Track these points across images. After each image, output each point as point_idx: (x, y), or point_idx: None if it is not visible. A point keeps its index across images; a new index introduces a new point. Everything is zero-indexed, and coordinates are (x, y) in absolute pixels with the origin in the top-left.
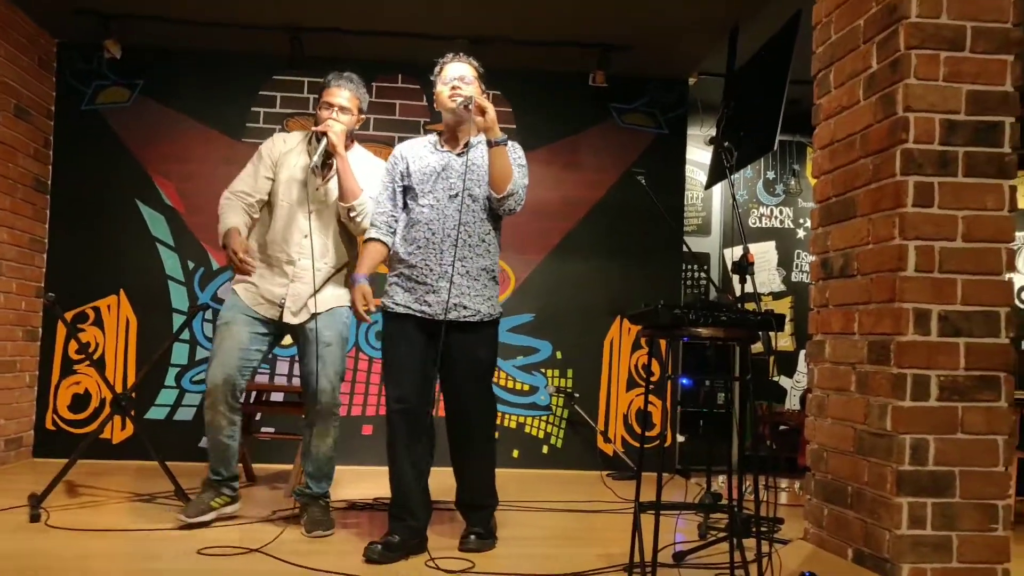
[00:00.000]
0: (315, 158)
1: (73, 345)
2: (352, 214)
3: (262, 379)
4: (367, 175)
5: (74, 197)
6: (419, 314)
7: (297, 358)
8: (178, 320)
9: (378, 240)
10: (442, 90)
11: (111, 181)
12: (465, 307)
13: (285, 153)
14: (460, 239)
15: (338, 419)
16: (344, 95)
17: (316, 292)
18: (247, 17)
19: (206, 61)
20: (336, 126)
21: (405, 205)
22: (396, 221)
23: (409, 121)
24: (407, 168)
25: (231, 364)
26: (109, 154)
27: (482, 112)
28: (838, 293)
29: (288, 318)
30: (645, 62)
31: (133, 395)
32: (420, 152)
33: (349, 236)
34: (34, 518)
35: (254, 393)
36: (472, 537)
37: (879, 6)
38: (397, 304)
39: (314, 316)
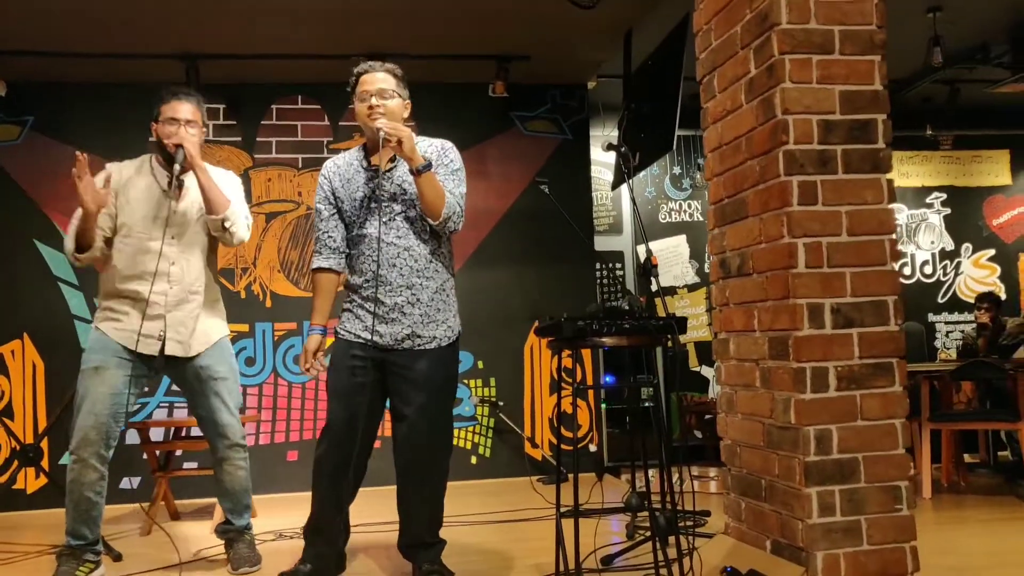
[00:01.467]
0: (175, 169)
1: None
2: (227, 224)
3: (180, 413)
4: (226, 184)
5: None
6: (368, 343)
7: (187, 398)
8: None
9: (327, 270)
10: (360, 108)
11: (6, 222)
12: (419, 336)
13: (124, 183)
14: (407, 266)
15: (246, 451)
16: (187, 108)
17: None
18: (139, 46)
19: (98, 93)
20: (191, 138)
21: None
22: (342, 241)
23: (311, 142)
24: (334, 192)
25: (104, 411)
26: (1, 194)
27: (398, 143)
28: (737, 292)
29: (174, 350)
30: (544, 70)
31: (43, 443)
32: (346, 173)
33: (215, 259)
34: None
35: (172, 429)
36: None
37: (752, 13)
38: (347, 331)
39: (200, 355)
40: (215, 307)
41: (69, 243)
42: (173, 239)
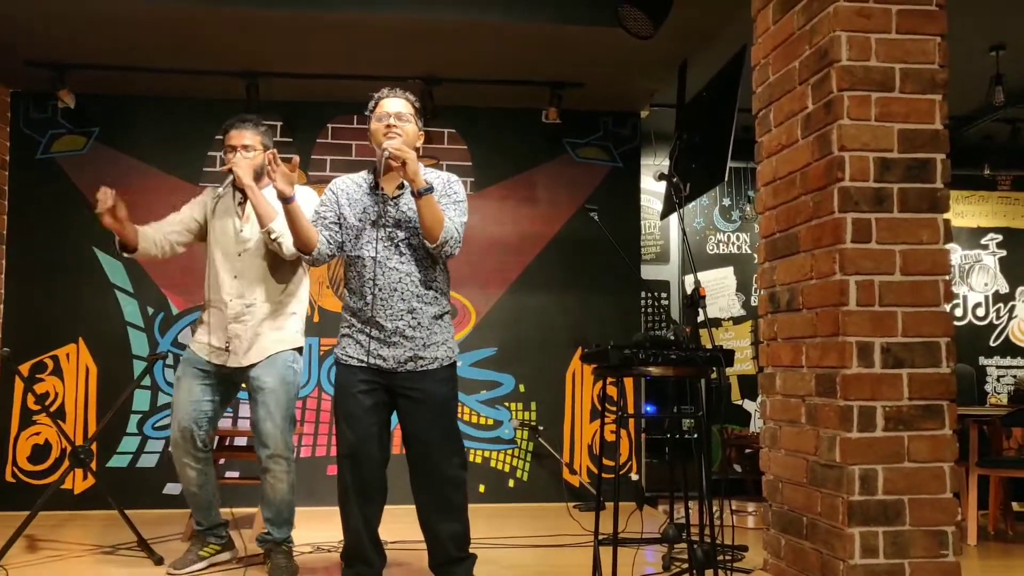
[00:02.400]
0: (220, 189)
1: (32, 396)
2: (272, 236)
3: (225, 424)
4: (299, 199)
5: (31, 246)
6: (374, 367)
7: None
8: (139, 366)
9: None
10: (376, 128)
11: (68, 229)
12: (421, 358)
13: (214, 204)
14: (407, 290)
15: (291, 463)
16: (246, 135)
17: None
18: (202, 63)
19: (161, 107)
20: (241, 161)
21: (341, 245)
22: (334, 227)
23: (365, 162)
24: (340, 210)
25: (185, 417)
26: (66, 202)
27: (402, 164)
28: (785, 327)
29: (232, 361)
30: (597, 97)
31: (93, 446)
32: (354, 193)
33: (289, 275)
34: None
35: (217, 437)
36: None
37: (812, 49)
38: (349, 356)
39: (253, 365)
40: (283, 322)
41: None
42: (239, 255)
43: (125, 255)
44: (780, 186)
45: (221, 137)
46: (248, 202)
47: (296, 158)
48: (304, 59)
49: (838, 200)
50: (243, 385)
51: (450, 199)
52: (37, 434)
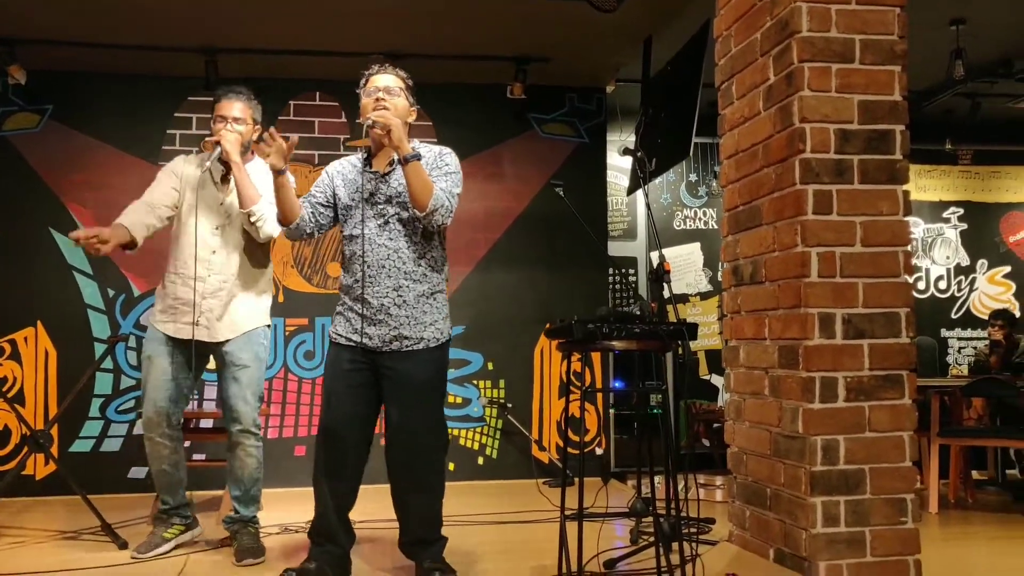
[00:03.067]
0: (207, 163)
1: None
2: (252, 219)
3: (191, 406)
4: (267, 183)
5: None
6: (358, 345)
7: (217, 382)
8: (99, 348)
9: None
10: (366, 103)
11: (23, 210)
12: (406, 337)
13: (183, 174)
14: (394, 267)
15: (260, 440)
16: (237, 106)
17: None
18: (160, 39)
19: (118, 84)
20: (229, 135)
21: (336, 220)
22: (320, 208)
23: (328, 139)
24: (334, 191)
25: (161, 396)
26: (20, 182)
27: (387, 131)
28: (749, 299)
29: (201, 335)
30: (563, 72)
31: (53, 430)
32: (349, 174)
33: (261, 254)
34: None
35: (182, 420)
36: (436, 574)
37: (773, 20)
38: (339, 335)
39: (228, 341)
40: (257, 299)
41: None
42: (217, 229)
43: (129, 253)
44: (743, 159)
45: (213, 105)
46: (228, 175)
47: (295, 137)
48: (265, 35)
49: (799, 172)
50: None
51: (441, 171)
52: None
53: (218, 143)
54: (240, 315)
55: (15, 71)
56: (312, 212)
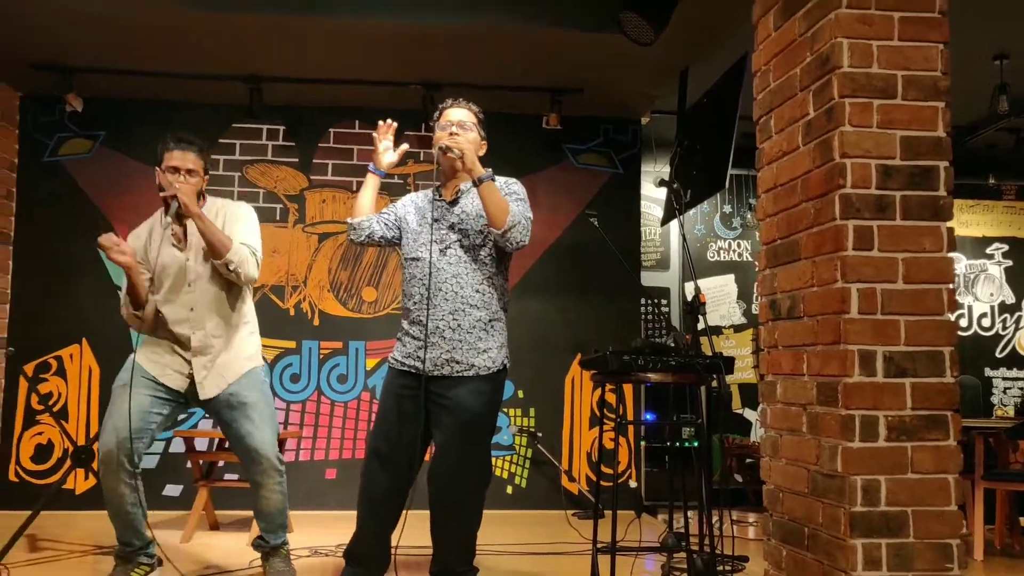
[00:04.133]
0: (166, 218)
1: (35, 396)
2: (231, 267)
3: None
4: (232, 222)
5: (37, 248)
6: (412, 369)
7: (222, 430)
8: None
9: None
10: (439, 136)
11: (73, 231)
12: (457, 361)
13: (144, 245)
14: (452, 291)
15: (283, 475)
16: (190, 158)
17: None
18: (206, 67)
19: (166, 111)
20: (186, 187)
21: (390, 240)
22: (384, 218)
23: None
24: (402, 216)
25: (124, 428)
26: (71, 204)
27: (461, 157)
28: (786, 335)
29: (204, 393)
30: (598, 104)
31: (94, 446)
32: (420, 203)
33: (233, 297)
34: None
35: (216, 440)
36: None
37: (813, 56)
38: (395, 359)
39: (230, 385)
40: (245, 341)
41: (125, 308)
42: (189, 286)
43: (137, 315)
44: (781, 193)
45: (160, 154)
46: (182, 227)
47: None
48: (305, 64)
49: (839, 207)
50: (199, 406)
51: (512, 197)
52: (40, 434)
53: (174, 197)
54: (237, 361)
55: (72, 99)
56: (378, 219)
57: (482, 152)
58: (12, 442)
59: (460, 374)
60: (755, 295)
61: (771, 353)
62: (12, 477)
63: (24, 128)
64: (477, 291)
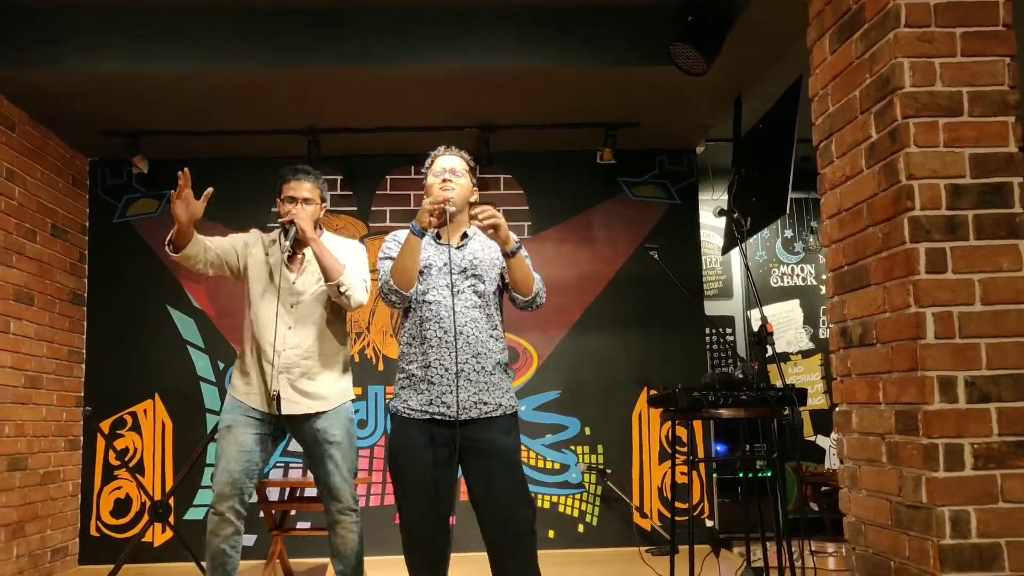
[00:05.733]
0: (286, 242)
1: (112, 452)
2: (342, 289)
3: (296, 474)
4: (343, 250)
5: (109, 307)
6: (437, 416)
7: (305, 459)
8: (211, 420)
9: None
10: (432, 182)
11: (143, 289)
12: (485, 403)
13: (252, 249)
14: (472, 334)
15: (359, 515)
16: (306, 187)
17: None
18: (265, 123)
19: (228, 167)
20: (303, 213)
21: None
22: None
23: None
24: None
25: (238, 469)
26: (141, 263)
27: (495, 229)
28: (859, 362)
29: (289, 409)
30: (652, 135)
31: (171, 500)
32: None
33: (338, 330)
34: None
35: (288, 490)
36: None
37: (873, 77)
38: (412, 409)
39: (317, 415)
40: (337, 375)
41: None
42: (292, 307)
43: (171, 253)
44: (846, 218)
45: (279, 186)
46: (299, 254)
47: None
48: (362, 114)
49: (909, 230)
50: (291, 435)
51: (528, 261)
52: (119, 488)
53: (292, 222)
54: (330, 390)
55: (139, 161)
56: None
57: (474, 198)
58: (92, 498)
59: (488, 415)
60: (822, 320)
61: (844, 382)
62: (94, 532)
63: (94, 191)
64: (491, 335)
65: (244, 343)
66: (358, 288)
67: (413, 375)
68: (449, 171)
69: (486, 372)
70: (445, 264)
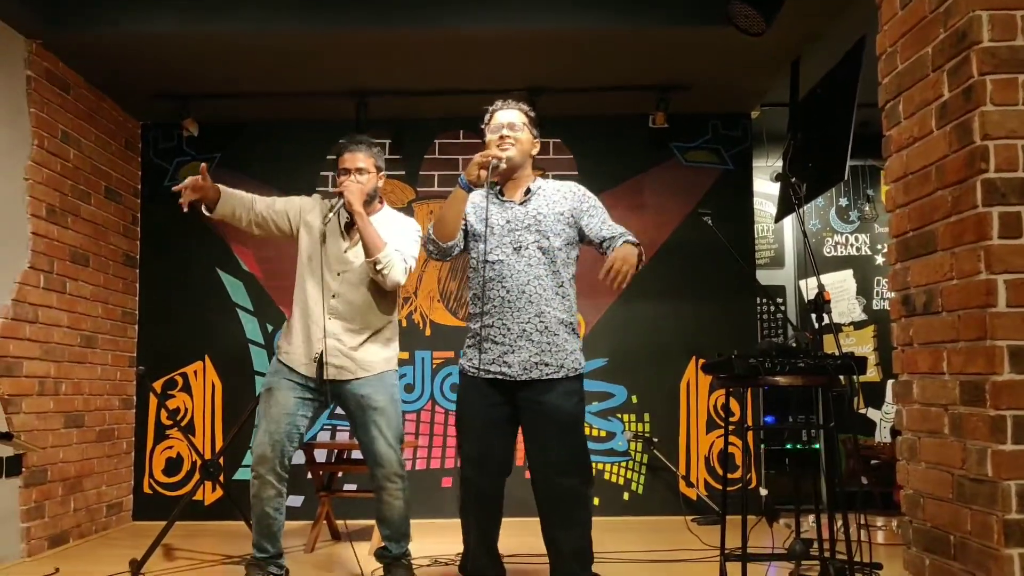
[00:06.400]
0: (330, 214)
1: (164, 412)
2: (378, 267)
3: (342, 436)
4: (396, 232)
5: (161, 270)
6: (499, 376)
7: (350, 425)
8: (260, 382)
9: None
10: (491, 139)
11: (194, 252)
12: (547, 364)
13: (308, 215)
14: (535, 293)
15: (405, 480)
16: (359, 157)
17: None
18: (314, 85)
19: (277, 130)
20: (352, 186)
21: (465, 248)
22: (462, 239)
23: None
24: (471, 220)
25: (279, 431)
26: (192, 227)
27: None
28: (923, 331)
29: (332, 374)
30: (705, 99)
31: (220, 459)
32: (479, 203)
33: (387, 303)
34: None
35: (335, 452)
36: None
37: (947, 32)
38: (474, 368)
39: (360, 381)
40: (384, 343)
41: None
42: (339, 275)
43: (206, 213)
44: (912, 181)
45: (334, 158)
46: (355, 226)
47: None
48: (411, 76)
49: (982, 193)
50: (333, 402)
51: (599, 208)
52: (170, 448)
53: (341, 194)
54: (374, 357)
55: (189, 124)
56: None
57: (535, 151)
58: (145, 456)
59: (549, 376)
60: (876, 290)
61: (905, 351)
62: (147, 490)
63: (146, 155)
64: (557, 293)
65: (294, 307)
66: (397, 268)
67: (477, 334)
68: (507, 126)
69: (549, 332)
70: (508, 222)
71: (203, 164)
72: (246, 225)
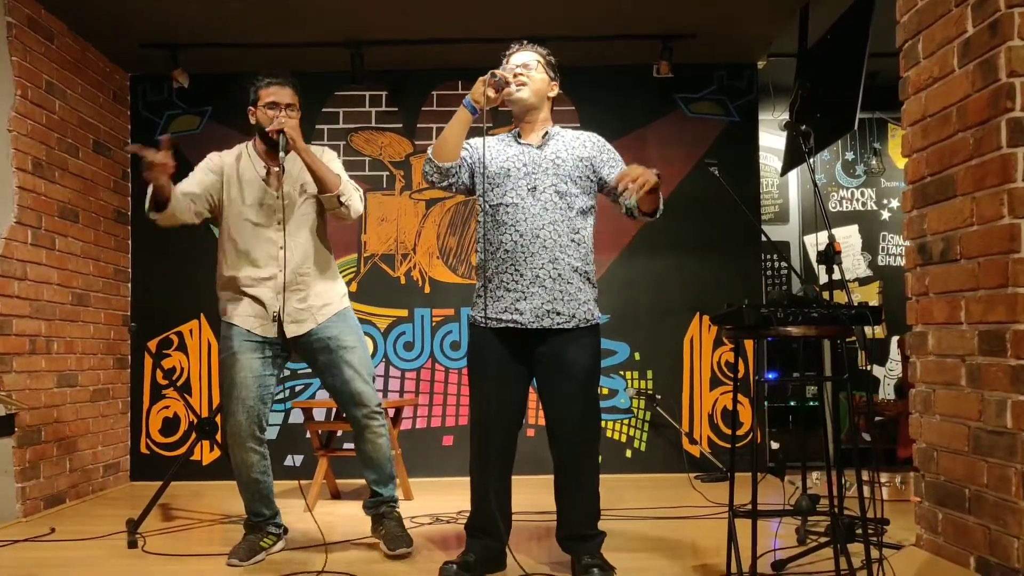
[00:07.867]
0: (280, 155)
1: (160, 371)
2: (342, 199)
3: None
4: (330, 160)
5: (153, 226)
6: (510, 324)
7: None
8: None
9: None
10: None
11: None
12: (559, 313)
13: (229, 173)
14: (550, 238)
15: (385, 416)
16: (288, 92)
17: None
18: (308, 35)
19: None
20: (290, 121)
21: (471, 191)
22: (467, 173)
23: (471, 128)
24: (477, 160)
25: (251, 396)
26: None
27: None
28: (939, 280)
29: (293, 331)
30: (711, 49)
31: (217, 418)
32: (497, 145)
33: (326, 237)
34: (132, 544)
35: (334, 410)
36: (595, 570)
37: None
38: (486, 317)
39: (322, 327)
40: (332, 280)
41: (147, 204)
42: (279, 224)
43: (154, 217)
44: (931, 124)
45: (254, 93)
46: (274, 168)
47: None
48: (407, 25)
49: (1006, 134)
50: (297, 354)
51: (616, 158)
52: (167, 408)
53: (280, 132)
54: (325, 298)
55: (179, 75)
56: (461, 160)
57: (552, 94)
58: (142, 416)
59: (561, 326)
60: (880, 246)
61: (920, 301)
62: (144, 450)
63: (135, 107)
64: (573, 240)
65: (228, 268)
66: (355, 196)
67: (489, 281)
68: (521, 66)
69: (563, 279)
70: (525, 165)
71: (165, 136)
72: (189, 218)
